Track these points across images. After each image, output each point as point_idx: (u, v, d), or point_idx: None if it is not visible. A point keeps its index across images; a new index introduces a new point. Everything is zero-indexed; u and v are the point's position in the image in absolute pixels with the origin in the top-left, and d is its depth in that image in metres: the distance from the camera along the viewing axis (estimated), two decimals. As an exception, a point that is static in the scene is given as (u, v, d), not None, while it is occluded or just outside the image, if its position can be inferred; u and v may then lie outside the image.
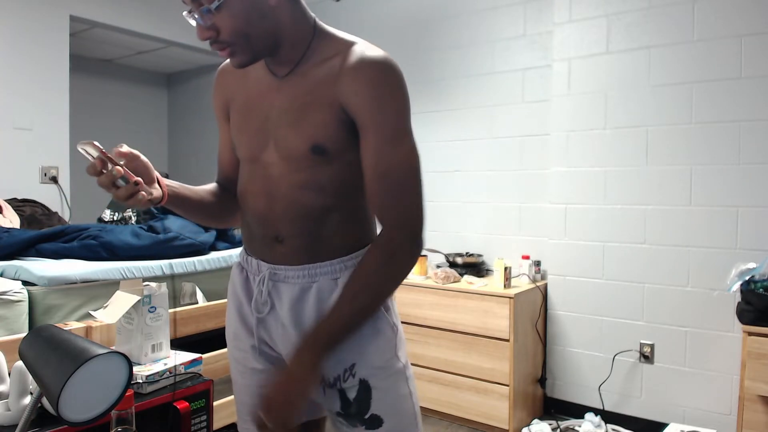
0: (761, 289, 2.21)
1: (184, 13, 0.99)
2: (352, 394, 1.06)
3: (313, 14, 1.09)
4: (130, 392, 0.95)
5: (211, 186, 1.25)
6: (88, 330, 1.52)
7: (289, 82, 1.06)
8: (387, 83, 1.00)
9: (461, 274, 3.03)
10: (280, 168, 1.07)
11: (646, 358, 2.70)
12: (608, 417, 2.76)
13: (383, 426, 1.06)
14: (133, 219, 2.95)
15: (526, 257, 3.01)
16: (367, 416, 1.06)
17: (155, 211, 2.59)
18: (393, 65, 1.01)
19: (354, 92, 0.99)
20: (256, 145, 1.10)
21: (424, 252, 3.25)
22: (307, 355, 0.96)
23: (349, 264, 1.07)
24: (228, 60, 1.13)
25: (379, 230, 1.05)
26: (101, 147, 0.94)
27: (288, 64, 1.06)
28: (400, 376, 1.09)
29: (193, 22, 0.99)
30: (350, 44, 1.03)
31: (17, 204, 2.96)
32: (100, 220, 3.07)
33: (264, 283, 1.10)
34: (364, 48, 1.02)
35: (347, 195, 1.07)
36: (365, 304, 0.99)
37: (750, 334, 2.19)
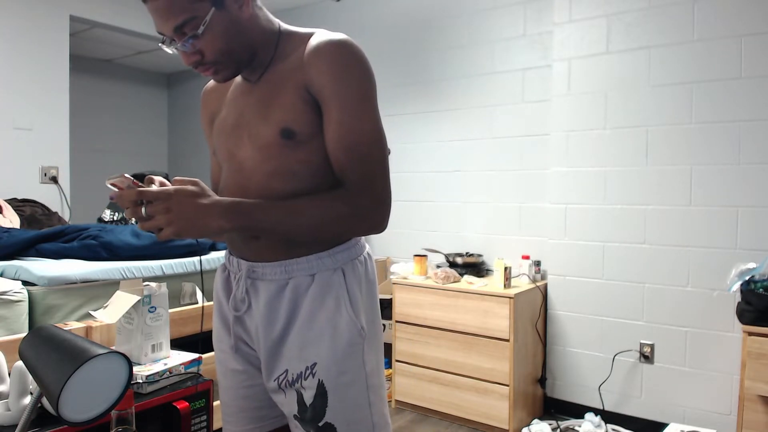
0: (761, 289, 2.21)
1: (160, 44, 1.03)
2: (309, 398, 1.04)
3: (276, 19, 1.12)
4: (130, 392, 0.95)
5: None
6: (88, 330, 1.52)
7: (260, 83, 1.10)
8: (346, 59, 1.01)
9: (461, 274, 3.03)
10: (253, 160, 1.07)
11: (646, 358, 2.70)
12: (608, 417, 2.76)
13: None
14: (133, 219, 2.95)
15: (526, 257, 3.01)
16: (321, 423, 1.03)
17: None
18: (351, 43, 1.02)
19: (316, 72, 1.01)
20: (232, 144, 1.11)
21: (424, 252, 3.27)
22: (222, 205, 0.94)
23: (327, 261, 1.06)
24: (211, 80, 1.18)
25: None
26: (132, 178, 0.95)
27: (259, 69, 1.10)
28: (360, 385, 1.06)
29: (171, 51, 1.03)
30: (310, 35, 1.06)
31: (17, 204, 2.97)
32: (100, 220, 3.07)
33: (242, 280, 1.09)
34: (323, 33, 1.05)
35: (321, 182, 1.05)
36: (294, 221, 0.98)
37: (750, 334, 2.19)
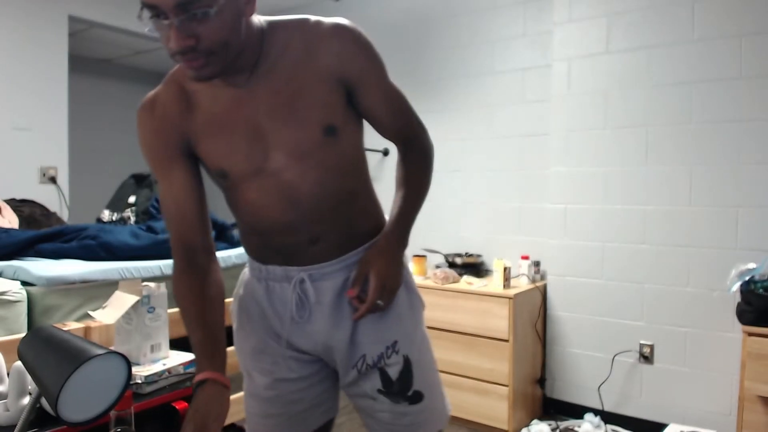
0: (761, 290, 2.21)
1: (140, 17, 0.89)
2: (394, 373, 1.09)
3: (259, 16, 1.03)
4: (129, 392, 0.95)
5: (199, 300, 1.06)
6: (86, 330, 1.52)
7: (258, 84, 1.00)
8: (364, 41, 1.07)
9: (461, 275, 3.02)
10: (293, 170, 1.02)
11: (646, 358, 2.70)
12: (608, 417, 2.75)
13: (424, 400, 1.11)
14: (132, 219, 2.95)
15: (526, 257, 3.01)
16: (410, 392, 1.10)
17: (154, 212, 2.59)
18: (354, 24, 1.08)
19: (347, 59, 1.02)
20: (255, 157, 1.02)
21: (423, 252, 3.27)
22: (394, 243, 1.09)
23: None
24: (153, 95, 1.07)
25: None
26: None
27: (246, 69, 1.00)
28: (428, 350, 1.17)
29: (148, 28, 0.90)
30: (303, 20, 1.03)
31: (16, 204, 2.96)
32: (99, 220, 3.07)
33: (296, 287, 1.08)
34: (321, 19, 1.04)
35: (362, 174, 1.14)
36: (421, 199, 1.15)
37: (750, 334, 2.19)
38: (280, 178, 1.03)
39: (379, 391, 1.09)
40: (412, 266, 3.18)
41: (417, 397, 1.10)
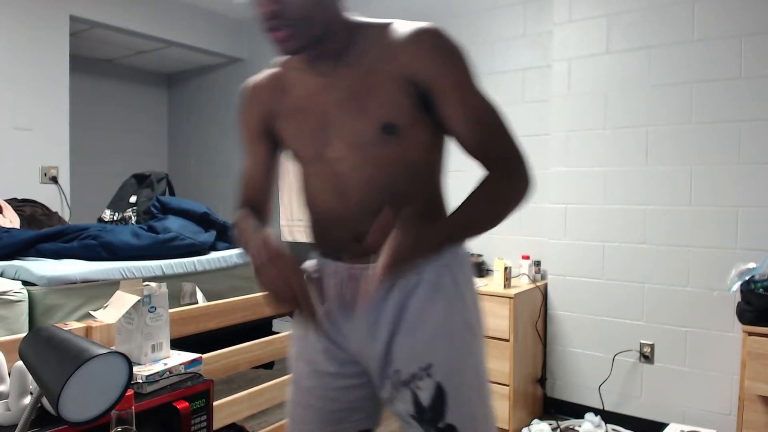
0: (761, 289, 2.21)
1: None
2: (425, 399, 1.00)
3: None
4: (130, 392, 0.95)
5: (253, 214, 1.17)
6: (88, 330, 1.52)
7: (339, 74, 1.04)
8: (449, 44, 1.02)
9: (461, 274, 3.02)
10: (348, 162, 1.04)
11: (646, 358, 2.70)
12: (608, 417, 2.76)
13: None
14: (133, 219, 2.95)
15: (526, 257, 3.01)
16: (441, 425, 1.00)
17: (155, 211, 2.59)
18: (441, 28, 1.04)
19: (420, 61, 1.00)
20: (318, 143, 1.06)
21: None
22: (431, 230, 0.97)
23: (433, 258, 1.02)
24: (254, 78, 1.17)
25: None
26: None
27: (331, 58, 1.05)
28: (476, 383, 1.04)
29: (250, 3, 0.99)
30: (389, 24, 1.07)
31: (17, 204, 2.97)
32: (100, 220, 3.07)
33: (344, 284, 1.07)
34: (406, 23, 1.06)
35: (421, 181, 1.08)
36: (482, 220, 1.03)
37: (750, 334, 2.19)
38: (335, 168, 1.05)
39: (412, 416, 1.02)
40: (412, 266, 3.18)
41: (449, 429, 1.00)
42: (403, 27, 1.04)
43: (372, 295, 0.93)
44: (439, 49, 1.01)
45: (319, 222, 1.12)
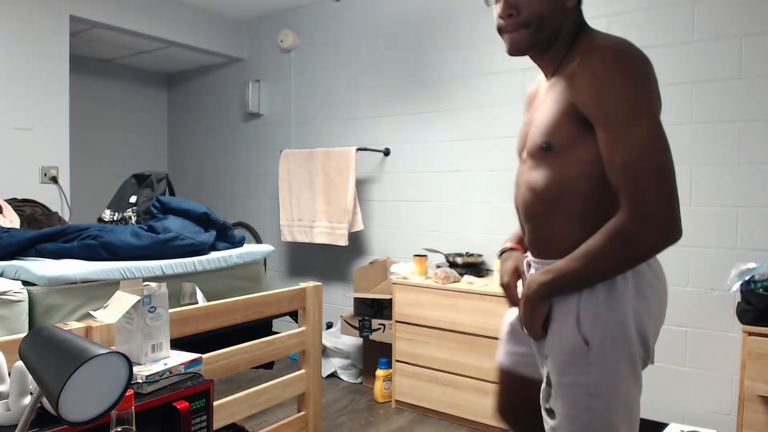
0: (761, 289, 2.21)
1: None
2: (546, 378, 1.19)
3: (586, 22, 1.17)
4: (130, 392, 0.95)
5: None
6: (88, 330, 1.52)
7: (552, 84, 1.16)
8: (607, 72, 1.01)
9: (461, 274, 3.03)
10: (524, 165, 1.23)
11: (646, 358, 2.70)
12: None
13: (555, 420, 1.15)
14: (133, 219, 2.95)
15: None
16: (548, 405, 1.17)
17: (155, 211, 2.59)
18: (619, 51, 1.03)
19: (581, 87, 1.04)
20: (521, 145, 1.26)
21: (424, 252, 3.27)
22: (534, 285, 1.16)
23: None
24: (532, 85, 1.34)
25: None
26: None
27: (552, 65, 1.18)
28: (580, 389, 1.12)
29: (492, 5, 1.18)
30: (594, 39, 1.10)
31: (17, 204, 2.96)
32: (100, 220, 3.07)
33: (528, 270, 1.32)
34: (598, 40, 1.08)
35: (567, 197, 1.13)
36: (581, 271, 1.08)
37: (750, 334, 2.19)
38: (521, 169, 1.25)
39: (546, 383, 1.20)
40: (413, 266, 3.18)
41: (550, 413, 1.16)
42: (590, 46, 1.08)
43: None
44: (595, 78, 1.02)
45: (517, 212, 1.31)
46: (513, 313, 1.40)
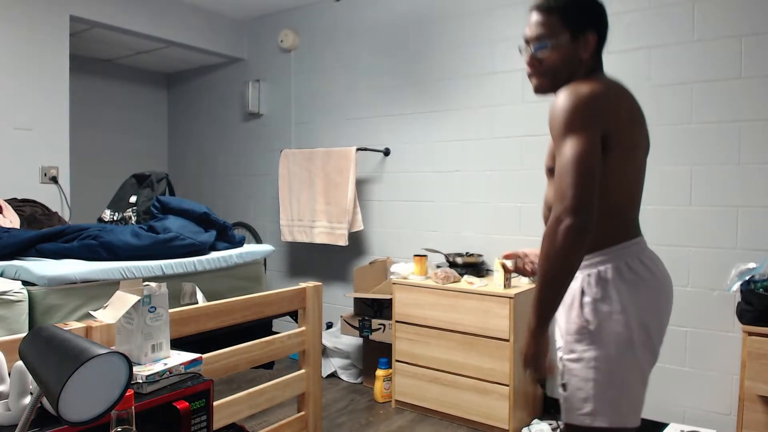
0: (761, 289, 2.21)
1: (521, 47, 1.47)
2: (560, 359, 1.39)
3: (602, 68, 1.45)
4: (130, 392, 0.95)
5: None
6: (88, 330, 1.52)
7: None
8: (556, 104, 1.31)
9: (461, 274, 3.03)
10: (547, 183, 1.46)
11: (646, 358, 2.70)
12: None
13: (566, 391, 1.35)
14: (133, 219, 2.95)
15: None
16: (562, 381, 1.37)
17: (155, 211, 2.59)
18: (570, 87, 1.30)
19: (550, 113, 1.33)
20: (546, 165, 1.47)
21: (424, 252, 3.27)
22: (528, 326, 1.34)
23: (584, 264, 1.32)
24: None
25: None
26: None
27: None
28: (584, 363, 1.32)
29: (521, 53, 1.48)
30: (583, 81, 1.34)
31: (17, 204, 2.96)
32: (100, 220, 3.07)
33: None
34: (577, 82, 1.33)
35: None
36: (542, 279, 1.29)
37: (750, 334, 2.19)
38: (547, 186, 1.47)
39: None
40: (413, 266, 3.18)
41: (563, 387, 1.37)
42: None
43: None
44: (553, 108, 1.32)
45: None
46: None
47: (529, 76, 1.47)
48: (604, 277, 1.32)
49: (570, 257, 1.23)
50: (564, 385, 1.37)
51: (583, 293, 1.34)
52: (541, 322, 1.31)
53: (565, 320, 1.38)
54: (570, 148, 1.24)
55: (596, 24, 1.40)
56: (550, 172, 1.38)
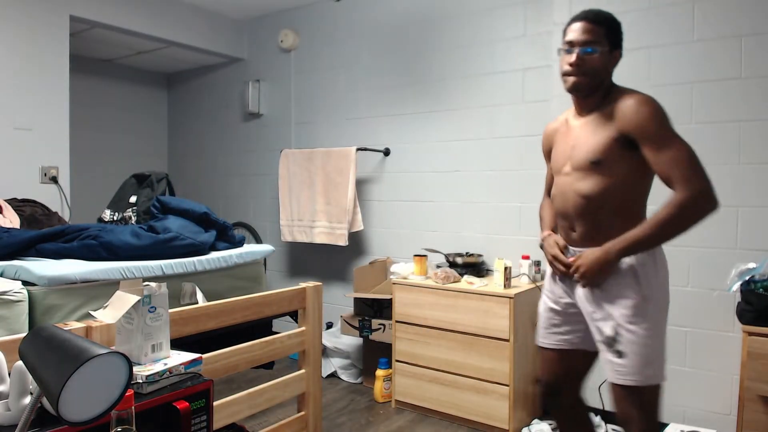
0: (761, 289, 2.21)
1: (559, 48, 1.72)
2: (610, 332, 1.64)
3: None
4: (130, 392, 0.95)
5: (548, 207, 1.96)
6: (88, 330, 1.52)
7: (588, 120, 1.70)
8: (642, 108, 1.57)
9: (461, 274, 3.03)
10: (569, 177, 1.71)
11: (646, 358, 2.70)
12: (608, 417, 2.75)
13: (624, 358, 1.61)
14: (133, 219, 2.95)
15: (526, 257, 3.01)
16: (616, 348, 1.62)
17: (155, 211, 2.59)
18: (647, 97, 1.60)
19: (628, 120, 1.58)
20: (560, 163, 1.76)
21: (424, 252, 3.27)
22: (612, 249, 1.59)
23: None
24: (551, 122, 1.93)
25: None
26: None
27: (589, 108, 1.70)
28: (642, 333, 1.60)
29: (562, 54, 1.71)
30: (624, 91, 1.65)
31: (17, 204, 2.96)
32: (100, 220, 3.08)
33: (568, 256, 1.75)
34: (628, 91, 1.65)
35: (611, 198, 1.62)
36: (654, 236, 1.56)
37: (750, 334, 2.19)
38: (566, 180, 1.72)
39: (600, 341, 1.68)
40: (413, 266, 3.18)
41: (619, 354, 1.61)
42: (627, 98, 1.61)
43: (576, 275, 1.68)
44: (642, 112, 1.57)
45: (556, 214, 1.82)
46: (546, 302, 1.87)
47: (567, 74, 1.66)
48: (653, 256, 1.62)
49: (689, 227, 1.53)
50: (619, 353, 1.60)
51: (637, 272, 1.60)
52: (626, 254, 1.58)
53: (620, 295, 1.61)
54: (682, 144, 1.55)
55: (621, 45, 1.71)
56: (595, 165, 1.62)
